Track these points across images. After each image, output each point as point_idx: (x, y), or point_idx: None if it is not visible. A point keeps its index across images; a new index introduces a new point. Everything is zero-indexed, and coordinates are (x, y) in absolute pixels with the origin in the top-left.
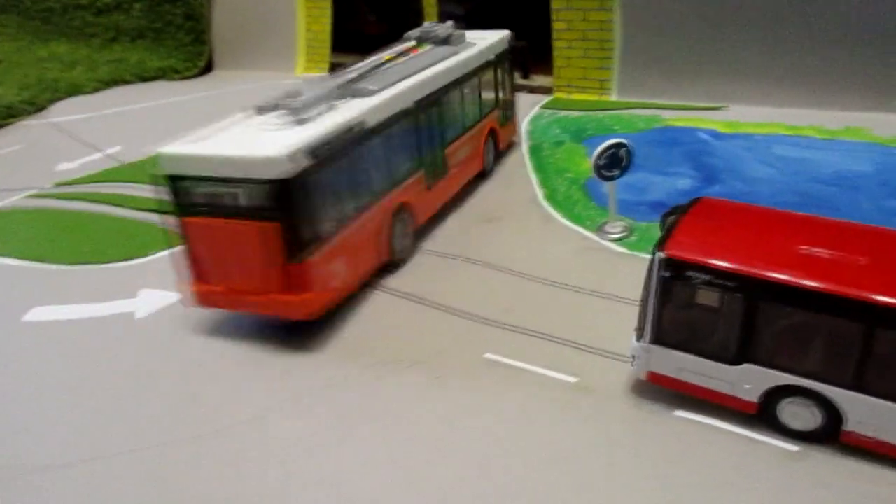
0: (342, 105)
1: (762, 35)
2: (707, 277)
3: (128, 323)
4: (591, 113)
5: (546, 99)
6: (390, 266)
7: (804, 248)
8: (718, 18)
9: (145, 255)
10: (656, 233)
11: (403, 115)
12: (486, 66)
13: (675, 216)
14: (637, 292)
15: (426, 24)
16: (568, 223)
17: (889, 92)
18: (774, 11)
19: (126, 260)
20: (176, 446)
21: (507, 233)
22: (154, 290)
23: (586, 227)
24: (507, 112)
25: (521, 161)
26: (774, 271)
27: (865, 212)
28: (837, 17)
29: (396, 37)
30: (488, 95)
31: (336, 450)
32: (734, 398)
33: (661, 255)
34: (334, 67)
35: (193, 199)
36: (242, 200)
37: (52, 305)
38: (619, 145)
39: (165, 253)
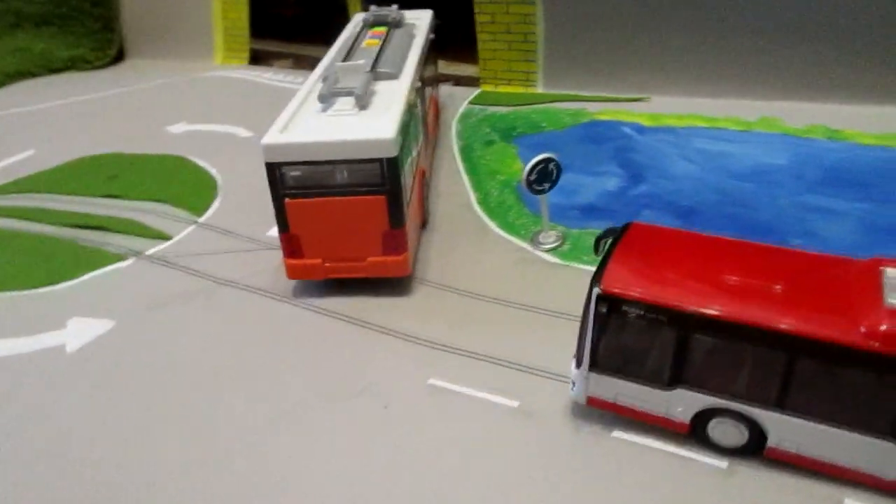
0: (380, 88)
1: (682, 27)
2: (641, 311)
3: (59, 358)
4: (518, 108)
5: (474, 93)
6: (423, 225)
7: (730, 278)
8: (639, 11)
9: (71, 277)
10: (588, 241)
11: (415, 91)
12: (431, 44)
13: (608, 240)
14: (572, 306)
15: (374, 8)
16: (502, 233)
17: (797, 81)
18: (695, 12)
19: (50, 284)
20: (123, 492)
21: (443, 245)
22: (84, 319)
23: (521, 237)
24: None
25: (452, 163)
26: (703, 305)
27: (782, 208)
28: (754, 7)
29: (316, 21)
30: (432, 71)
31: (286, 486)
32: (668, 419)
33: (597, 290)
34: (255, 56)
35: (296, 182)
36: (350, 179)
37: None
38: (547, 160)
39: (92, 275)
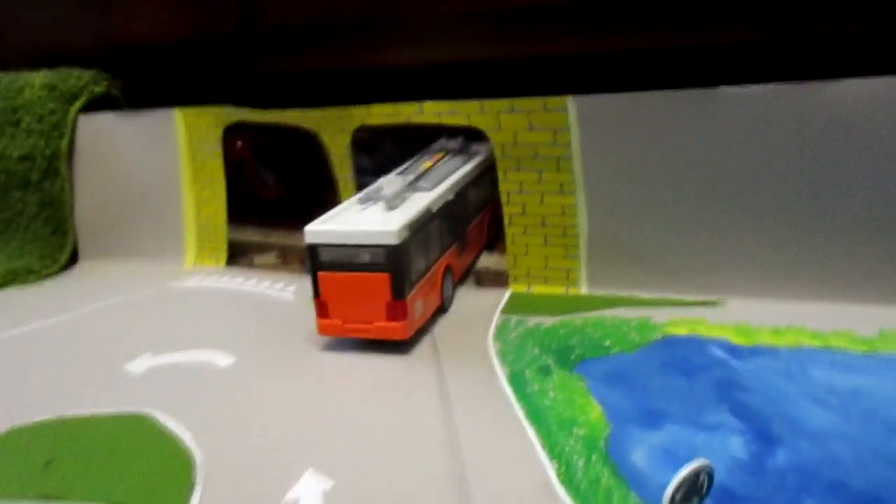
0: (412, 197)
1: (759, 221)
2: None
3: None
4: (565, 317)
5: (503, 296)
6: (440, 311)
7: None
8: (701, 202)
9: None
10: None
11: (448, 203)
12: (488, 167)
13: None
14: None
15: (443, 139)
16: None
17: None
18: (775, 196)
19: None
20: None
21: None
22: None
23: None
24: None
25: (499, 399)
26: None
27: None
28: (847, 204)
29: (298, 202)
30: (487, 190)
31: None
32: None
33: None
34: (232, 250)
35: (327, 259)
36: (366, 259)
37: None
38: (698, 471)
39: None
